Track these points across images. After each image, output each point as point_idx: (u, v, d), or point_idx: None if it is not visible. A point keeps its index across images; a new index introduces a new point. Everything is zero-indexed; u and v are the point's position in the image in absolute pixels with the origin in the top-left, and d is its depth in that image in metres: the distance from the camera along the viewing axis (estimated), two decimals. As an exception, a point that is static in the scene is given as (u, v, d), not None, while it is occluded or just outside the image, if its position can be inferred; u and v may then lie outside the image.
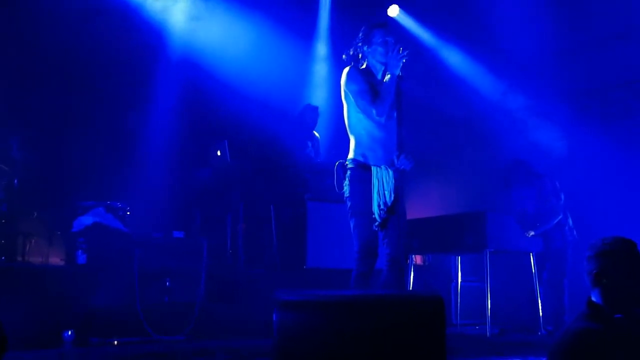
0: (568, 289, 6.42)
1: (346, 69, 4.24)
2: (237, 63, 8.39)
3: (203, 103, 8.34)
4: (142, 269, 5.66)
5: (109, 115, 7.84)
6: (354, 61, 4.33)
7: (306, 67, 9.55)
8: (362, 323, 2.44)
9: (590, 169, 7.47)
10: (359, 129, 4.19)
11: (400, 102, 4.11)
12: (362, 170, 4.09)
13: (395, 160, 4.05)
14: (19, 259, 6.47)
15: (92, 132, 7.68)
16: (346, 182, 4.16)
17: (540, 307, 6.34)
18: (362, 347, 2.42)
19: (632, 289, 2.55)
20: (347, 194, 4.15)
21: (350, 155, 4.18)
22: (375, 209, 3.99)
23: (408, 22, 9.33)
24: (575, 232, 6.66)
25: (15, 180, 6.56)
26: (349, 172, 4.15)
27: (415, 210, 6.96)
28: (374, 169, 4.05)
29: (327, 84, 9.24)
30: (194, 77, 8.29)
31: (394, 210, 3.99)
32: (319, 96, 9.00)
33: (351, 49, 4.36)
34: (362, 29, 4.33)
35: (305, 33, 9.37)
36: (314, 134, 7.62)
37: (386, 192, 4.00)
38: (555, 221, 6.53)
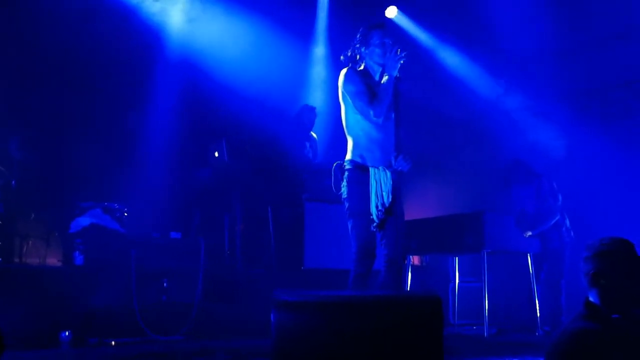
0: (565, 289, 6.43)
1: (344, 70, 4.23)
2: (235, 63, 8.39)
3: (201, 103, 8.34)
4: (140, 269, 5.66)
5: (108, 115, 7.84)
6: (352, 62, 4.33)
7: (304, 67, 9.56)
8: (360, 323, 2.44)
9: (590, 169, 7.47)
10: (356, 130, 4.18)
11: (398, 103, 4.11)
12: (359, 171, 4.09)
13: (393, 161, 4.05)
14: (17, 260, 6.47)
15: (90, 133, 7.68)
16: (344, 183, 4.15)
17: (537, 308, 6.35)
18: (360, 347, 2.43)
19: (629, 290, 2.55)
20: (344, 195, 4.14)
21: (348, 156, 4.18)
22: (373, 210, 3.99)
23: (406, 23, 9.34)
24: (572, 233, 6.66)
25: (13, 181, 6.56)
26: (346, 173, 4.14)
27: (414, 211, 6.96)
28: (371, 170, 4.05)
29: (325, 85, 9.24)
30: (193, 77, 8.30)
31: (391, 211, 3.99)
32: (317, 97, 9.01)
33: (349, 50, 4.36)
34: (360, 30, 4.33)
35: (303, 34, 9.38)
36: (312, 134, 7.62)
37: (384, 193, 4.00)
38: (553, 222, 6.54)
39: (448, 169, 9.31)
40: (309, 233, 6.77)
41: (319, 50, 9.61)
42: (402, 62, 4.11)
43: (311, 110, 7.63)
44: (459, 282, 7.28)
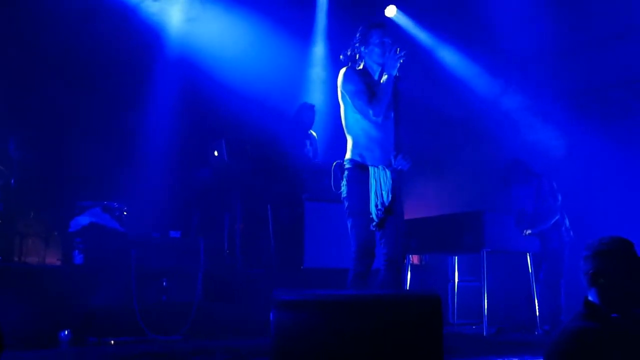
0: (564, 288, 6.43)
1: (343, 70, 4.23)
2: (235, 63, 8.39)
3: (201, 103, 8.34)
4: (139, 268, 5.67)
5: (107, 115, 7.84)
6: (352, 61, 4.33)
7: (304, 67, 9.56)
8: (360, 323, 2.44)
9: (589, 169, 7.47)
10: (356, 129, 4.18)
11: (398, 103, 4.11)
12: (359, 170, 4.09)
13: (393, 161, 4.05)
14: (16, 259, 6.47)
15: (90, 132, 7.68)
16: (344, 182, 4.15)
17: (537, 307, 6.35)
18: (360, 347, 2.43)
19: (629, 289, 2.55)
20: (344, 194, 4.14)
21: (348, 155, 4.18)
22: (372, 209, 3.99)
23: (406, 23, 9.33)
24: (571, 233, 6.67)
25: (12, 180, 6.56)
26: (346, 173, 4.14)
27: (413, 210, 6.96)
28: (371, 169, 4.05)
29: (324, 84, 9.24)
30: (192, 77, 8.30)
31: (391, 210, 3.99)
32: (316, 96, 9.00)
33: (349, 50, 4.36)
34: (360, 29, 4.33)
35: (302, 33, 9.38)
36: (311, 133, 7.60)
37: (384, 192, 4.00)
38: (552, 221, 6.54)
39: (447, 169, 9.31)
40: (308, 232, 6.77)
41: (319, 50, 9.61)
42: (401, 61, 4.11)
43: (310, 108, 7.61)
44: (458, 282, 7.28)
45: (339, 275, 4.50)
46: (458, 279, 7.30)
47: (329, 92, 8.76)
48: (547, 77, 8.35)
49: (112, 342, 5.21)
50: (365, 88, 4.14)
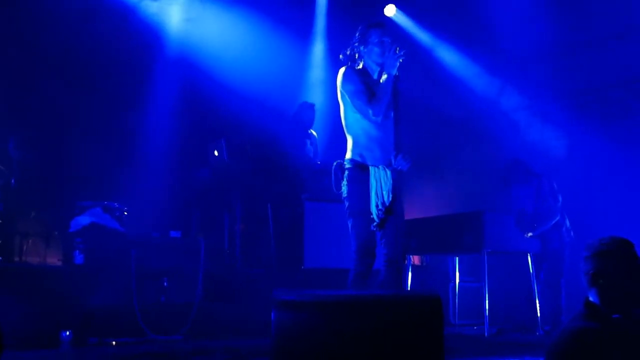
0: (565, 289, 6.43)
1: (342, 70, 4.23)
2: (234, 63, 8.39)
3: (201, 103, 8.34)
4: (140, 269, 5.67)
5: (108, 115, 7.84)
6: (351, 61, 4.33)
7: (303, 66, 9.55)
8: (360, 323, 2.44)
9: (589, 169, 7.47)
10: (356, 128, 4.18)
11: (398, 102, 4.11)
12: (359, 170, 4.08)
13: (393, 161, 4.05)
14: (17, 259, 6.47)
15: (90, 132, 7.69)
16: (344, 182, 4.15)
17: (537, 307, 6.35)
18: (361, 347, 2.43)
19: (629, 289, 2.55)
20: (345, 194, 4.14)
21: (348, 155, 4.17)
22: (373, 209, 3.98)
23: (405, 22, 9.33)
24: (572, 233, 6.66)
25: (13, 180, 6.56)
26: (346, 172, 4.14)
27: (413, 211, 6.96)
28: (371, 169, 4.04)
29: (324, 84, 9.23)
30: (192, 77, 8.30)
31: (392, 210, 3.98)
32: (316, 96, 8.99)
33: (348, 49, 4.35)
34: (359, 28, 4.32)
35: (302, 32, 9.37)
36: (311, 132, 7.59)
37: (384, 192, 3.99)
38: (553, 222, 6.52)
39: (447, 169, 9.31)
40: (308, 232, 6.77)
41: (318, 49, 9.60)
42: (401, 60, 4.10)
43: (310, 107, 7.59)
44: (459, 282, 7.28)
45: (339, 275, 4.50)
46: (459, 279, 7.29)
47: (328, 91, 8.75)
48: (547, 77, 8.34)
49: (114, 342, 5.21)
50: (365, 88, 4.14)
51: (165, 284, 5.92)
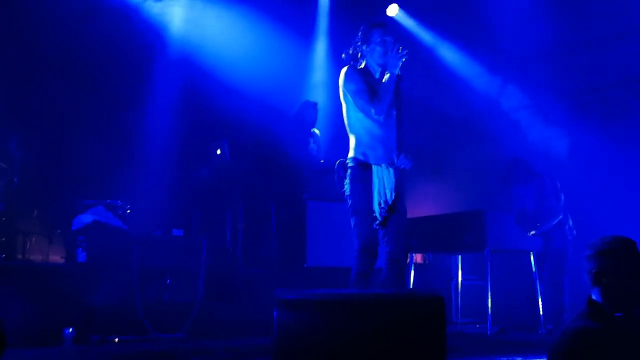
0: (568, 288, 6.42)
1: (344, 69, 4.24)
2: (236, 62, 8.39)
3: (202, 102, 8.34)
4: (142, 267, 5.67)
5: (109, 114, 7.85)
6: (353, 60, 4.33)
7: (305, 66, 9.54)
8: (362, 322, 2.45)
9: (590, 169, 7.47)
10: (358, 127, 4.19)
11: (400, 101, 4.12)
12: (362, 169, 4.09)
13: (395, 159, 4.05)
14: (19, 257, 6.49)
15: (92, 131, 7.70)
16: (347, 180, 4.15)
17: (540, 306, 6.34)
18: (363, 346, 2.43)
19: (631, 288, 2.55)
20: (347, 192, 4.14)
21: (351, 153, 4.18)
22: (375, 207, 3.99)
23: (407, 22, 9.33)
24: (575, 232, 6.65)
25: (16, 179, 6.57)
26: (349, 171, 4.14)
27: (415, 209, 6.96)
28: (374, 167, 4.05)
29: (326, 83, 9.23)
30: (194, 76, 8.30)
31: (394, 209, 3.99)
32: (318, 95, 8.99)
33: (350, 48, 4.36)
34: (361, 28, 4.33)
35: (304, 32, 9.37)
36: (314, 131, 7.58)
37: (387, 191, 4.00)
38: (556, 221, 6.51)
39: (448, 168, 9.31)
40: (311, 231, 6.77)
41: (320, 49, 9.60)
42: (403, 60, 4.11)
43: (313, 106, 7.57)
44: (461, 280, 7.27)
45: (341, 274, 4.51)
46: (461, 277, 7.29)
47: (330, 90, 8.75)
48: (547, 76, 8.34)
49: (116, 340, 5.22)
50: (367, 87, 4.14)
51: (167, 282, 5.92)
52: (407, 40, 8.71)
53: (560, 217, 6.53)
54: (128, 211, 6.39)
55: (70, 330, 5.09)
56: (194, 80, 8.28)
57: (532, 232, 6.42)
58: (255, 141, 7.93)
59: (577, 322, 2.53)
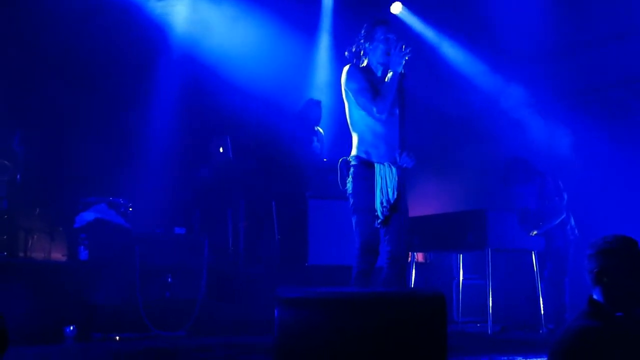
0: (569, 287, 6.42)
1: (346, 68, 4.23)
2: (239, 60, 8.38)
3: (205, 100, 8.34)
4: (144, 265, 5.68)
5: (112, 112, 7.86)
6: (356, 58, 4.33)
7: (309, 64, 9.53)
8: (364, 320, 2.44)
9: (590, 168, 7.45)
10: (361, 125, 4.18)
11: (403, 100, 4.11)
12: (365, 167, 4.08)
13: (398, 158, 4.05)
14: (21, 254, 6.50)
15: (94, 130, 7.71)
16: (349, 178, 4.15)
17: (541, 306, 6.34)
18: (364, 345, 2.43)
19: (632, 288, 2.55)
20: (349, 190, 4.14)
21: (353, 152, 4.17)
22: (378, 206, 3.99)
23: (411, 20, 9.32)
24: (576, 231, 6.64)
25: (18, 176, 6.58)
26: (352, 169, 4.14)
27: (416, 208, 6.96)
28: (377, 166, 4.04)
29: (330, 81, 9.22)
30: (196, 74, 8.30)
31: (396, 207, 3.99)
32: (322, 93, 8.98)
33: (353, 46, 4.35)
34: (365, 26, 4.32)
35: (308, 30, 9.36)
36: (318, 129, 7.57)
37: (389, 190, 4.00)
38: (558, 220, 6.50)
39: (450, 166, 9.30)
40: (312, 230, 6.76)
41: (324, 46, 9.59)
42: (406, 58, 4.10)
43: (316, 104, 7.56)
44: (462, 279, 7.27)
45: (343, 272, 4.51)
46: (462, 276, 7.28)
47: (334, 88, 8.75)
48: (547, 76, 8.34)
49: (117, 337, 5.23)
50: (369, 85, 4.13)
51: (169, 280, 5.93)
52: (410, 38, 8.70)
53: (563, 216, 6.52)
54: (130, 209, 6.40)
55: (72, 328, 5.10)
56: (196, 79, 8.28)
57: (534, 232, 6.40)
58: (258, 139, 7.93)
59: (578, 322, 2.53)
